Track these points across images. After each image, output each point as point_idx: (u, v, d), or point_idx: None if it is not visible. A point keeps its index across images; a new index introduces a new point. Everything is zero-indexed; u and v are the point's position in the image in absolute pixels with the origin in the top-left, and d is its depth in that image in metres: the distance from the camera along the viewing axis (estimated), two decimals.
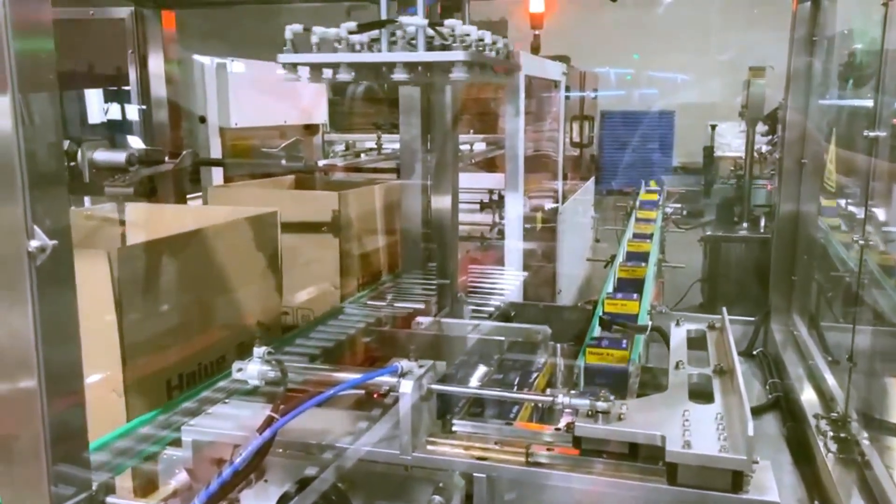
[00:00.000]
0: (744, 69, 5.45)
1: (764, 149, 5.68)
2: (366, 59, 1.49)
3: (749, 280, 5.23)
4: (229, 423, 1.38)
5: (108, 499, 1.27)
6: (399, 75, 1.48)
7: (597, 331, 2.05)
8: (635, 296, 2.27)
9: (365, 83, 1.61)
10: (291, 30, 1.52)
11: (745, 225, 5.54)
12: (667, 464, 1.15)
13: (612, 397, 1.23)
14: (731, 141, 7.58)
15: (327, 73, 1.54)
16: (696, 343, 1.71)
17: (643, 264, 2.76)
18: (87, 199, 2.65)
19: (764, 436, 1.83)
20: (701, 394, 1.37)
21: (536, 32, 4.59)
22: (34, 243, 0.99)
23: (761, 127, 5.62)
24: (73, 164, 2.01)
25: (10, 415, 1.09)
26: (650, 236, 3.35)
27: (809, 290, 2.35)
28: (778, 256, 2.38)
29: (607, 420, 1.22)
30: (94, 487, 1.22)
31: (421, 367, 1.30)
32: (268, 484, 1.37)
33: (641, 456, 1.21)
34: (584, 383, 1.59)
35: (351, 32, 1.49)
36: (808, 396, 1.86)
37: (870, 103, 1.69)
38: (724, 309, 1.76)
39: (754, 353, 2.33)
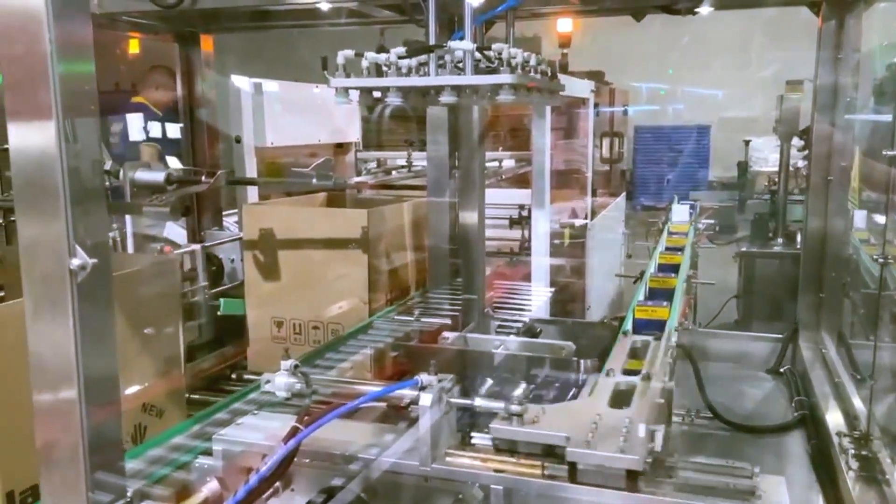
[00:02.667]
0: (784, 83, 5.41)
1: (800, 164, 5.61)
2: (416, 83, 1.54)
3: (785, 296, 5.16)
4: (257, 433, 1.43)
5: None
6: (447, 98, 1.53)
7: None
8: (665, 303, 2.34)
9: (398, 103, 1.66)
10: (344, 55, 1.58)
11: (780, 241, 5.47)
12: (568, 463, 1.23)
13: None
14: (768, 156, 7.50)
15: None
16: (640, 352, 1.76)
17: (673, 275, 2.81)
18: (127, 218, 2.75)
19: (789, 453, 1.83)
20: (621, 400, 1.43)
21: (564, 51, 4.63)
22: (76, 261, 1.06)
23: (797, 142, 5.56)
24: (115, 183, 2.10)
25: (51, 423, 1.15)
26: (682, 249, 3.37)
27: (838, 307, 2.33)
28: (806, 272, 2.37)
29: (521, 423, 1.32)
30: (129, 494, 1.28)
31: (441, 380, 1.34)
32: (294, 493, 1.41)
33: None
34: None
35: (400, 57, 1.54)
36: (833, 414, 1.85)
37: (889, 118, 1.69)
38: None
39: (781, 370, 2.32)
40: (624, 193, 5.69)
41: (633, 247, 5.24)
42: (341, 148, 4.11)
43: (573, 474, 1.25)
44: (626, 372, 1.58)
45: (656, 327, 2.34)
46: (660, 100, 9.97)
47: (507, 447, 1.34)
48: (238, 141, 3.31)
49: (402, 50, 1.55)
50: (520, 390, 1.86)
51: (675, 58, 8.66)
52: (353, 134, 4.17)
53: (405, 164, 3.86)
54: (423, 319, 2.35)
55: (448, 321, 2.36)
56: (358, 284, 2.54)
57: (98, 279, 1.09)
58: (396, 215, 2.76)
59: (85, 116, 1.11)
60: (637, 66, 8.73)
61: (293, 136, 3.65)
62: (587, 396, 1.50)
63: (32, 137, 1.07)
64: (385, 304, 2.59)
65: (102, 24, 2.55)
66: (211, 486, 1.39)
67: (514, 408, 1.32)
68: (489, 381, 1.96)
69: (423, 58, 1.54)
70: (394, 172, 3.70)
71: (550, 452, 1.30)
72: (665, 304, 2.35)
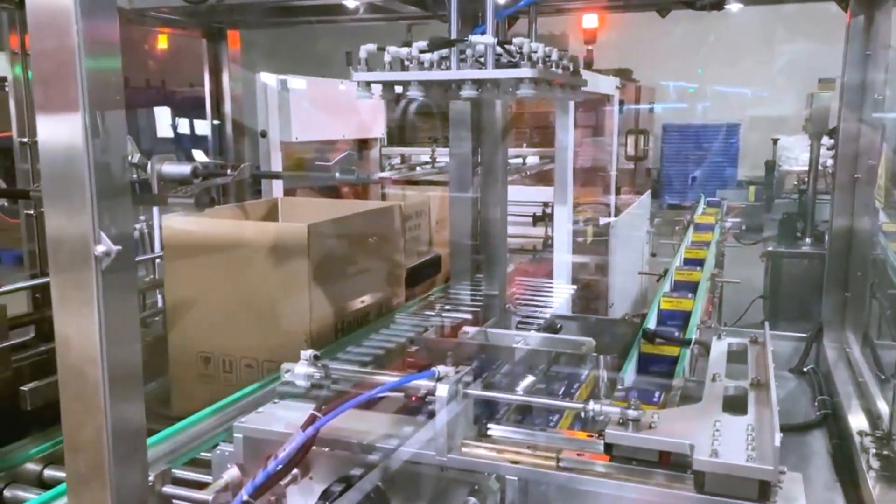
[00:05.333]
0: (815, 81, 5.34)
1: (829, 163, 5.53)
2: (436, 77, 1.55)
3: (812, 297, 5.09)
4: (277, 421, 1.45)
5: (165, 488, 1.36)
6: (467, 92, 1.54)
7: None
8: (690, 294, 2.40)
9: (420, 98, 1.67)
10: (366, 49, 1.59)
11: (808, 240, 5.40)
12: (694, 472, 1.17)
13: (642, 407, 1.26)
14: (798, 155, 7.40)
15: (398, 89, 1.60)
16: (737, 357, 1.71)
17: (699, 268, 2.83)
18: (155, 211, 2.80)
19: (811, 453, 1.81)
20: (735, 405, 1.37)
21: (590, 47, 4.61)
22: (100, 248, 1.09)
23: (827, 140, 5.49)
24: (142, 175, 2.14)
25: (76, 407, 1.18)
26: (707, 244, 3.38)
27: (863, 307, 2.31)
28: (831, 272, 2.34)
29: (638, 428, 1.24)
30: (151, 477, 1.31)
31: (457, 372, 1.35)
32: (312, 481, 1.43)
33: (671, 464, 1.23)
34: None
35: (422, 51, 1.55)
36: (856, 414, 1.83)
37: None
38: (767, 324, 1.75)
39: (805, 369, 2.30)
40: (649, 191, 5.65)
41: (658, 245, 5.21)
42: (366, 144, 4.14)
43: (700, 484, 1.18)
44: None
45: (681, 318, 2.34)
46: (688, 97, 9.87)
47: (620, 454, 1.26)
48: (263, 136, 3.35)
49: (423, 44, 1.56)
50: (527, 381, 1.86)
51: (704, 54, 8.57)
52: (378, 130, 4.20)
53: (429, 160, 3.88)
54: (444, 314, 2.36)
55: (469, 316, 2.37)
56: (380, 278, 2.50)
57: (122, 266, 1.11)
58: (349, 227, 2.36)
59: (111, 109, 1.14)
60: (665, 64, 8.65)
61: (318, 131, 3.69)
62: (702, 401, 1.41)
63: (60, 130, 1.10)
64: (336, 335, 2.23)
65: (131, 20, 2.59)
66: (231, 472, 1.42)
67: (632, 413, 1.24)
68: (508, 375, 1.96)
69: (444, 52, 1.55)
70: (417, 168, 3.72)
71: (665, 460, 1.23)
72: (690, 295, 2.40)
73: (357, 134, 4.02)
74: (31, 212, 2.35)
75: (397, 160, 4.21)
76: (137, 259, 2.51)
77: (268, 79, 3.42)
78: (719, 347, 1.74)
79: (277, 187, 3.46)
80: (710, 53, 8.43)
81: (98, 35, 1.10)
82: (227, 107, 3.09)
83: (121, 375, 1.17)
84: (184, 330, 2.24)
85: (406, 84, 1.57)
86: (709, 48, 8.15)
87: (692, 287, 2.61)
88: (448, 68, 1.55)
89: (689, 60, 8.98)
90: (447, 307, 2.40)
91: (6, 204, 2.01)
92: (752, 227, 5.77)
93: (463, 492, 1.33)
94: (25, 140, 2.46)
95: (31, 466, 1.84)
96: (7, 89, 2.52)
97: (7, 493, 1.75)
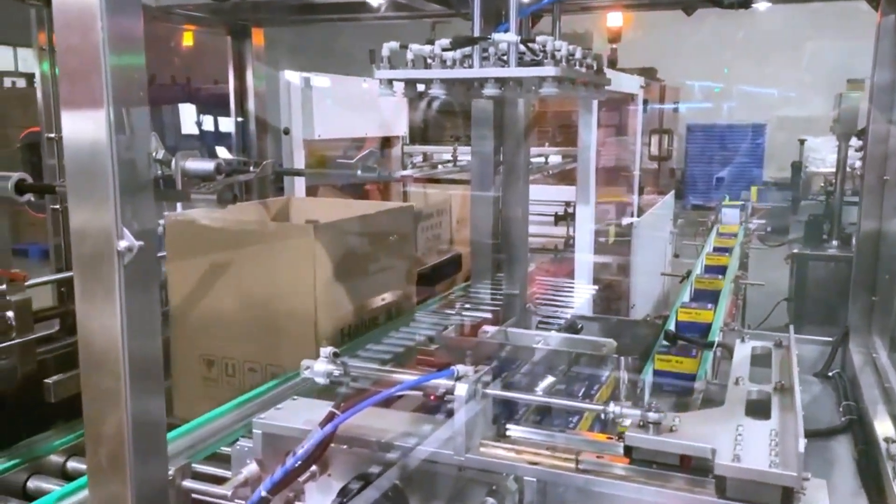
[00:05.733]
0: (843, 81, 5.27)
1: (857, 164, 5.45)
2: (459, 75, 1.54)
3: (838, 301, 5.02)
4: (296, 417, 1.46)
5: (184, 482, 1.37)
6: (490, 90, 1.53)
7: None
8: (710, 305, 2.29)
9: (442, 96, 1.67)
10: (389, 47, 1.59)
11: (834, 243, 5.33)
12: (716, 476, 1.15)
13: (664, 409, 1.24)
14: (825, 156, 7.31)
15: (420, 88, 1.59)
16: (761, 360, 1.69)
17: (720, 277, 2.76)
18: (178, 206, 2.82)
19: (835, 459, 1.78)
20: (758, 410, 1.35)
21: (614, 46, 4.58)
22: (123, 243, 1.10)
23: (855, 142, 5.41)
24: (166, 171, 2.16)
25: (97, 401, 1.19)
26: (730, 250, 3.32)
27: (891, 311, 2.26)
28: (858, 275, 2.30)
29: (658, 431, 1.23)
30: (171, 471, 1.32)
31: (476, 371, 1.35)
32: (331, 478, 1.43)
33: (692, 468, 1.22)
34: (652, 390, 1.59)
35: (445, 49, 1.55)
36: (882, 420, 1.80)
37: None
38: (791, 327, 1.73)
39: (830, 374, 2.26)
40: (673, 192, 5.60)
41: (681, 246, 5.16)
42: (388, 142, 4.15)
43: (721, 489, 1.16)
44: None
45: (699, 330, 2.30)
46: (714, 97, 9.77)
47: (640, 456, 1.24)
48: (286, 133, 3.37)
49: (446, 42, 1.56)
50: (547, 382, 1.84)
51: (730, 54, 8.47)
52: (401, 128, 4.20)
53: (450, 158, 3.87)
54: (464, 313, 2.36)
55: (489, 315, 2.36)
56: (401, 276, 2.50)
57: (144, 262, 1.12)
58: (359, 227, 2.29)
59: (136, 106, 1.15)
60: (690, 63, 8.57)
61: (341, 129, 3.70)
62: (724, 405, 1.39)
63: (85, 125, 1.11)
64: (342, 339, 2.18)
65: (157, 17, 2.61)
66: (250, 468, 1.42)
67: (652, 415, 1.22)
68: (527, 375, 1.96)
69: (467, 50, 1.55)
70: (439, 166, 3.71)
71: (686, 464, 1.22)
72: (710, 306, 2.30)
73: (379, 132, 4.03)
74: (58, 206, 2.38)
75: (419, 158, 4.21)
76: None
77: (291, 76, 3.43)
78: (743, 350, 1.72)
79: (300, 185, 3.48)
80: (737, 52, 8.34)
81: (122, 32, 1.11)
82: (251, 104, 3.11)
83: (142, 369, 1.18)
84: (186, 331, 2.18)
85: (428, 82, 1.57)
86: (735, 47, 8.05)
87: (713, 296, 2.53)
88: (471, 66, 1.54)
89: (714, 59, 8.88)
90: (467, 306, 2.39)
91: (33, 199, 2.04)
92: (778, 229, 5.70)
93: (481, 492, 1.32)
94: (52, 136, 2.49)
95: (55, 458, 1.86)
96: (35, 86, 2.56)
97: (30, 483, 1.78)
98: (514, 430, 1.42)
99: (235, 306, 2.13)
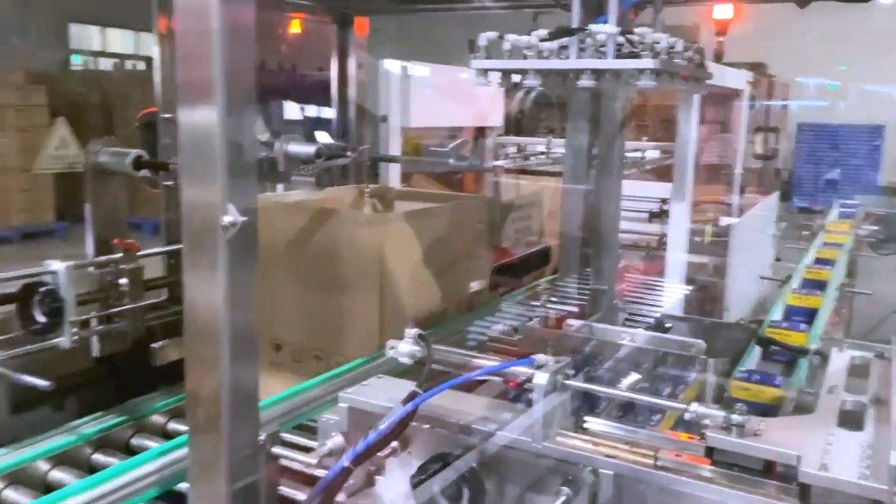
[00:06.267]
0: None
1: None
2: (555, 66, 1.55)
3: None
4: (380, 394, 1.51)
5: (274, 449, 1.44)
6: (586, 82, 1.53)
7: (753, 357, 1.97)
8: (803, 326, 2.09)
9: (538, 88, 1.68)
10: (486, 37, 1.61)
11: None
12: (800, 484, 1.12)
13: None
14: None
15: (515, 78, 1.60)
16: (859, 371, 1.62)
17: (819, 293, 2.51)
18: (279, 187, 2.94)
19: None
20: (851, 421, 1.31)
21: (721, 39, 4.42)
22: (227, 218, 1.17)
23: None
24: (269, 153, 2.26)
25: (199, 368, 1.28)
26: (833, 262, 3.11)
27: None
28: None
29: (742, 434, 1.21)
30: (262, 437, 1.40)
31: (557, 361, 1.36)
32: (411, 455, 1.48)
33: (776, 475, 1.19)
34: None
35: (542, 40, 1.55)
36: None
37: None
38: (894, 338, 1.65)
39: None
40: (777, 193, 5.38)
41: (783, 250, 4.95)
42: (483, 132, 4.17)
43: (805, 497, 1.15)
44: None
45: (807, 315, 2.16)
46: (827, 95, 9.29)
47: (721, 458, 1.23)
48: (384, 121, 3.44)
49: (544, 33, 1.56)
50: (631, 379, 1.82)
51: (846, 50, 8.02)
52: (496, 119, 4.21)
53: (544, 150, 3.86)
54: (549, 305, 2.36)
55: (575, 309, 2.35)
56: (485, 266, 2.48)
57: (246, 236, 1.19)
58: (432, 219, 2.24)
59: (244, 90, 1.21)
60: (803, 58, 8.17)
61: (437, 118, 3.75)
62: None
63: (198, 108, 1.19)
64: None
65: (267, 5, 2.72)
66: (335, 440, 1.48)
67: (736, 417, 1.21)
68: (610, 370, 1.94)
69: (564, 41, 1.55)
70: (532, 158, 3.71)
71: (771, 470, 1.20)
72: (803, 327, 2.09)
73: (475, 122, 4.05)
74: (170, 183, 2.52)
75: (513, 149, 4.22)
76: None
77: (390, 65, 3.50)
78: (840, 359, 1.65)
79: (395, 171, 3.55)
80: (854, 49, 7.88)
81: (236, 19, 1.18)
82: (352, 91, 3.19)
83: (240, 338, 1.25)
84: (258, 313, 2.20)
85: (523, 73, 1.58)
86: (853, 43, 7.61)
87: (808, 315, 2.34)
88: (567, 58, 1.54)
89: (829, 56, 8.43)
90: (553, 299, 2.39)
91: (149, 174, 2.19)
92: (891, 237, 5.39)
93: (556, 481, 1.33)
94: (168, 116, 2.64)
95: (157, 418, 1.99)
96: (154, 68, 2.71)
97: (134, 441, 1.91)
98: (592, 423, 1.42)
99: (305, 292, 2.16)
